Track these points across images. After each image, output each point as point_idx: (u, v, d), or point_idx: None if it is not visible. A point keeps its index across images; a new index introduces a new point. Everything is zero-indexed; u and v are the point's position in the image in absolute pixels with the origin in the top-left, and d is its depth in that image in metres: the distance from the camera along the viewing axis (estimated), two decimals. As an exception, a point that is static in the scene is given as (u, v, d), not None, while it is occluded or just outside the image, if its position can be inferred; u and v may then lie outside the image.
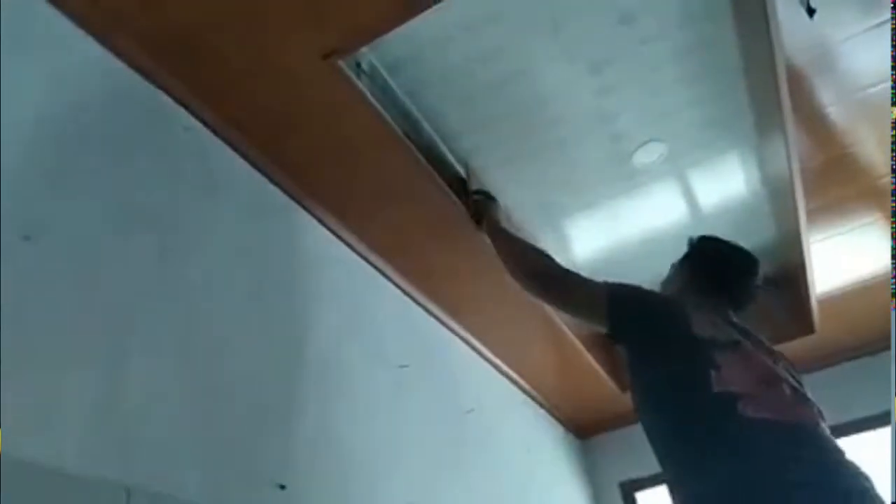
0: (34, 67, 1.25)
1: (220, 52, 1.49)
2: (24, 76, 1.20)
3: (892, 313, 1.69)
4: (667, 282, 1.87)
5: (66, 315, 1.14)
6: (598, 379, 3.02)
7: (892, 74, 1.72)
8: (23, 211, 1.11)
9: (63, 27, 1.33)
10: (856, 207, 2.47)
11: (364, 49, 1.61)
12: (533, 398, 3.16)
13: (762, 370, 1.47)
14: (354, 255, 2.08)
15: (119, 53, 1.43)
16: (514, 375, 2.95)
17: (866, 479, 1.31)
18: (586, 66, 1.81)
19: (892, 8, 1.64)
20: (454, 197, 1.97)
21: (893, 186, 2.01)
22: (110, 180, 1.32)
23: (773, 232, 2.52)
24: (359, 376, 1.88)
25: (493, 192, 2.10)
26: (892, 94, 1.82)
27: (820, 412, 1.45)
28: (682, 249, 1.88)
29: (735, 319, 1.64)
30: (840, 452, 1.36)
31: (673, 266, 1.88)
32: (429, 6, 1.43)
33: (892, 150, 1.89)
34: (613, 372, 3.03)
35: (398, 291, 2.27)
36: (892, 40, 1.65)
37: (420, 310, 2.38)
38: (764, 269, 1.83)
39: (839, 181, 2.33)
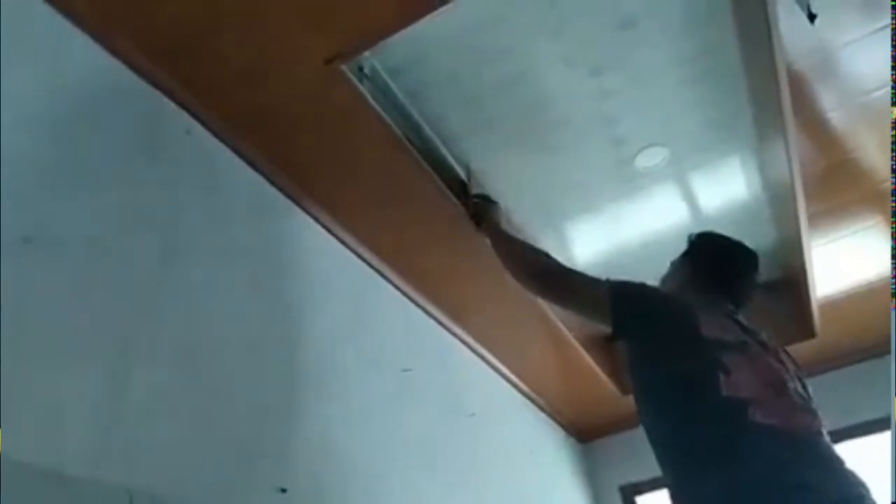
0: (34, 68, 1.25)
1: (221, 53, 1.49)
2: (23, 77, 1.20)
3: (893, 314, 1.68)
4: (666, 278, 1.86)
5: (67, 316, 1.13)
6: (598, 382, 3.02)
7: (892, 75, 1.72)
8: (23, 212, 1.11)
9: (63, 27, 1.32)
10: (857, 211, 2.47)
11: (366, 53, 1.61)
12: (534, 401, 3.16)
13: (769, 374, 1.46)
14: (355, 257, 2.08)
15: (119, 54, 1.43)
16: (515, 379, 2.95)
17: (864, 486, 1.32)
18: (588, 70, 1.81)
19: (893, 9, 1.64)
20: (454, 199, 1.97)
21: (894, 187, 2.00)
22: (110, 181, 1.32)
23: (773, 236, 2.51)
24: (359, 379, 1.87)
25: (494, 195, 2.10)
26: (893, 94, 1.82)
27: (821, 422, 1.45)
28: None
29: (740, 317, 1.62)
30: (840, 461, 1.37)
31: (672, 263, 1.88)
32: (432, 10, 1.43)
33: (893, 151, 1.89)
34: (614, 375, 3.02)
35: (398, 293, 2.27)
36: (892, 40, 1.65)
37: (420, 311, 2.38)
38: (765, 273, 1.82)
39: (840, 186, 2.33)
